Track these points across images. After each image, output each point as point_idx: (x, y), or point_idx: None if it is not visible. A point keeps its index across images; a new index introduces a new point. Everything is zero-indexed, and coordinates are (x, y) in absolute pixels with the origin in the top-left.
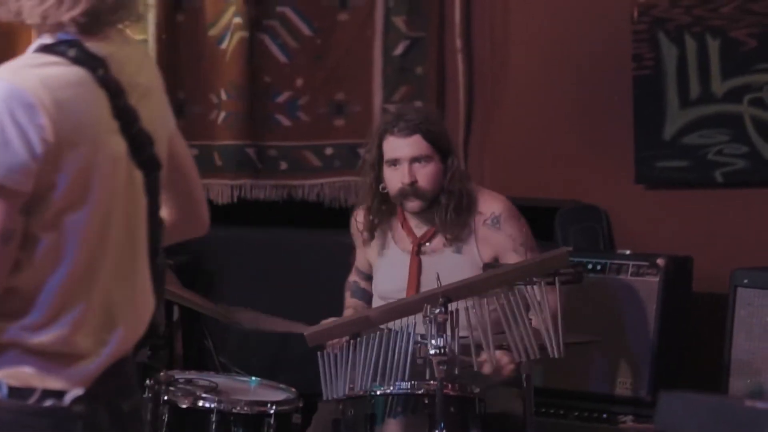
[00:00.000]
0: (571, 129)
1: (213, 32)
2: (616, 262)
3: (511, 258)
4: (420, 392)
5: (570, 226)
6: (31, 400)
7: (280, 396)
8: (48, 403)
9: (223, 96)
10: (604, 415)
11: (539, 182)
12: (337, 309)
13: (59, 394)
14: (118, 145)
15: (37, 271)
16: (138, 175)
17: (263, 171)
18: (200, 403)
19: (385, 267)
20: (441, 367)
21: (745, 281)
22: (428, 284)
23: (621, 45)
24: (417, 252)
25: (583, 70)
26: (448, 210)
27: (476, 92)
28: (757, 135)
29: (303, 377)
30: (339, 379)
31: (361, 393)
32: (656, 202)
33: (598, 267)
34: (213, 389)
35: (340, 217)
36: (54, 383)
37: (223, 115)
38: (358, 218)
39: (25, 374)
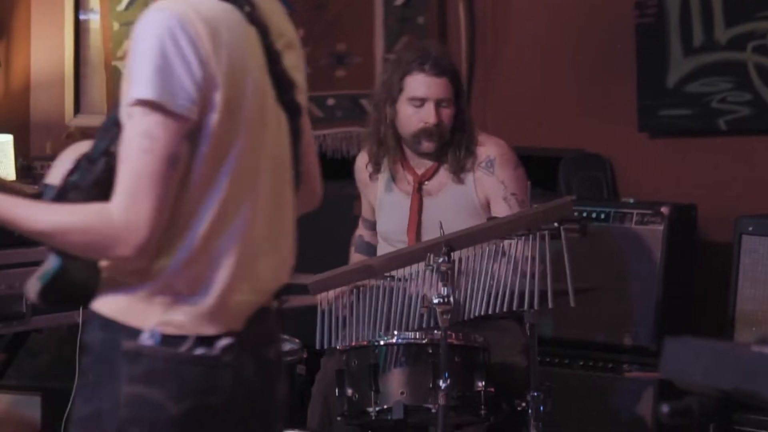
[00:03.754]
0: (574, 78)
1: None
2: (619, 210)
3: (499, 205)
4: (424, 341)
5: (573, 175)
6: (183, 348)
7: (284, 347)
8: (199, 351)
9: None
10: (609, 365)
11: (542, 132)
12: (340, 260)
13: (209, 342)
14: (265, 81)
15: (191, 203)
16: (283, 118)
17: None
18: None
19: (387, 207)
20: (445, 316)
21: (750, 229)
22: (429, 224)
23: None
24: (418, 189)
25: (586, 18)
26: (460, 148)
27: (478, 41)
28: (760, 82)
29: (307, 328)
30: (339, 328)
31: (365, 343)
32: (659, 151)
33: (602, 216)
34: None
35: (343, 168)
36: (206, 329)
37: None
38: (362, 159)
39: (177, 322)
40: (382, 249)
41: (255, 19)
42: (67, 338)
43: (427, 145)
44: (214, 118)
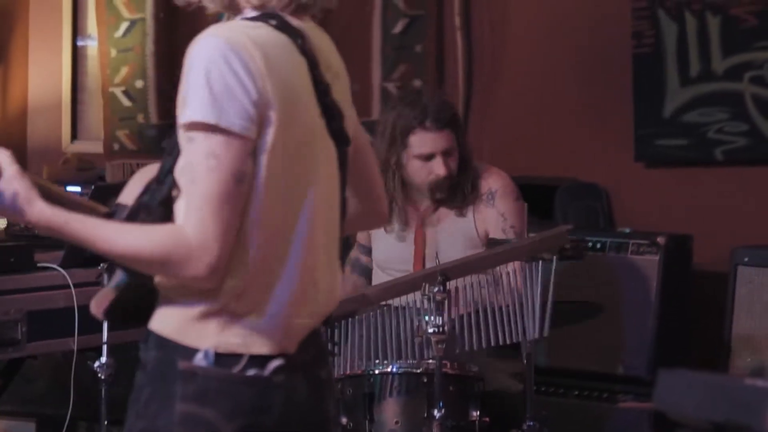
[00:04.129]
0: (571, 107)
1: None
2: (616, 240)
3: (498, 237)
4: (418, 371)
5: (569, 204)
6: (237, 369)
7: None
8: (251, 372)
9: None
10: (604, 395)
11: (539, 160)
12: None
13: (262, 363)
14: (315, 111)
15: (246, 224)
16: (331, 147)
17: None
18: None
19: (385, 238)
20: (440, 345)
21: (746, 259)
22: (428, 252)
23: (621, 22)
24: (421, 225)
25: (583, 48)
26: (465, 188)
27: (475, 70)
28: (757, 113)
29: None
30: (335, 357)
31: (359, 372)
32: (656, 180)
33: (598, 245)
34: None
35: None
36: (260, 348)
37: None
38: None
39: (233, 342)
40: (377, 276)
41: (305, 50)
42: (62, 365)
43: (440, 194)
44: (270, 138)
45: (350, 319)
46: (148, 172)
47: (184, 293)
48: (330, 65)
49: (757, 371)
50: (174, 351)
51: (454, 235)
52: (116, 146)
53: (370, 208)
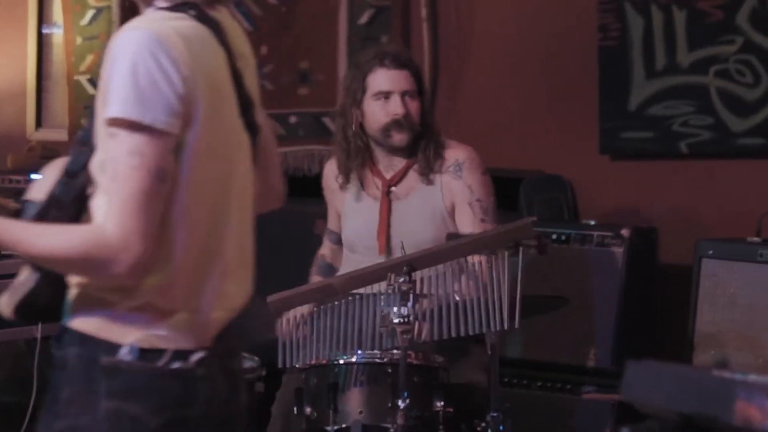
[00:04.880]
0: (537, 99)
1: None
2: (580, 232)
3: (464, 210)
4: (383, 361)
5: (534, 196)
6: (161, 362)
7: (243, 364)
8: (176, 365)
9: None
10: (568, 386)
11: (504, 152)
12: (303, 278)
13: (185, 356)
14: (234, 101)
15: (174, 218)
16: (246, 139)
17: None
18: None
19: (355, 214)
20: (405, 335)
21: (710, 252)
22: (398, 228)
23: (587, 15)
24: (387, 193)
25: (549, 41)
26: (429, 149)
27: (441, 62)
28: (722, 106)
29: (265, 346)
30: (300, 347)
31: (324, 362)
32: (621, 173)
33: (563, 237)
34: None
35: (305, 186)
36: (183, 343)
37: None
38: (331, 166)
39: (157, 337)
40: (348, 260)
41: (224, 41)
42: (25, 353)
43: (398, 138)
44: (196, 133)
45: (315, 309)
46: (57, 166)
47: (105, 290)
48: (242, 54)
49: (721, 364)
50: (96, 347)
51: (422, 212)
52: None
53: (268, 185)
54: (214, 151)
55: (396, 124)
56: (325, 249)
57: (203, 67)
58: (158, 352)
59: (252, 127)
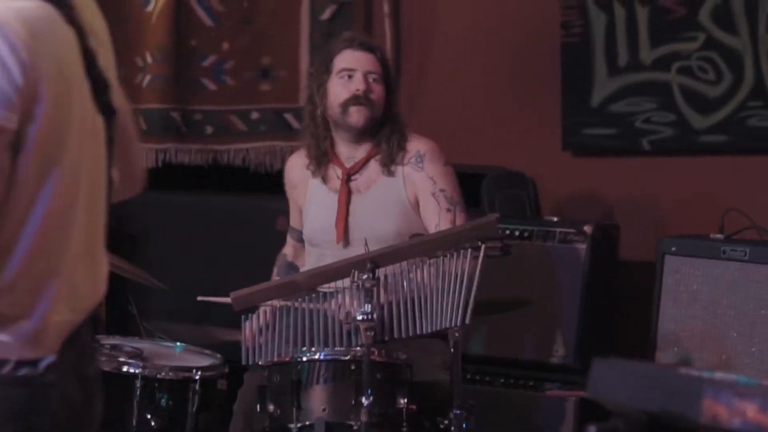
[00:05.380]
0: (499, 96)
1: None
2: (542, 229)
3: (428, 201)
4: (347, 358)
5: (496, 192)
6: (5, 370)
7: (206, 362)
8: (22, 372)
9: (149, 59)
10: (531, 383)
11: (466, 149)
12: (264, 275)
13: (33, 363)
14: (85, 85)
15: (13, 222)
16: (99, 121)
17: (188, 135)
18: (125, 369)
19: (315, 206)
20: (368, 332)
21: (673, 249)
22: (358, 222)
23: (550, 12)
24: (346, 181)
25: (512, 37)
26: (391, 139)
27: (404, 58)
28: (684, 103)
29: (228, 343)
30: (263, 344)
31: (287, 359)
32: (583, 170)
33: (525, 234)
34: (138, 355)
35: (266, 182)
36: (27, 352)
37: (148, 78)
38: (297, 158)
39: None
40: (311, 257)
41: (73, 19)
42: None
43: (356, 116)
44: (37, 128)
45: (279, 306)
46: None
47: None
48: (95, 31)
49: (683, 361)
50: None
51: (384, 204)
52: None
53: (127, 170)
54: (60, 143)
55: (355, 99)
56: (288, 248)
57: (48, 51)
58: (2, 361)
59: (107, 110)
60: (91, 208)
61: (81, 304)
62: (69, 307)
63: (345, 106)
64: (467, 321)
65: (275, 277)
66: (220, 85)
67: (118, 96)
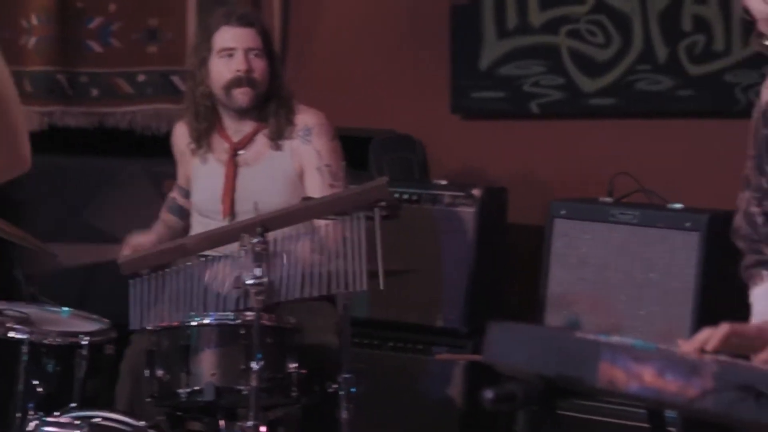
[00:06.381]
0: (387, 58)
1: None
2: (431, 192)
3: (313, 175)
4: (236, 322)
5: (384, 155)
6: None
7: (93, 327)
8: None
9: (34, 20)
10: (419, 346)
11: (354, 112)
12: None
13: None
14: None
15: None
16: None
17: (74, 98)
18: (10, 334)
19: (202, 178)
20: (258, 297)
21: (563, 212)
22: (245, 194)
23: None
24: (233, 156)
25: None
26: (279, 114)
27: (291, 20)
28: (573, 66)
29: (115, 307)
30: (151, 308)
31: (176, 323)
32: (472, 133)
33: (414, 197)
34: (24, 320)
35: (153, 145)
36: None
37: (33, 40)
38: (181, 128)
39: None
40: (197, 222)
41: None
42: None
43: (241, 97)
44: None
45: (167, 270)
46: None
47: None
48: None
49: (572, 324)
50: None
51: (271, 178)
52: None
53: (11, 155)
54: None
55: (237, 80)
56: (176, 193)
57: None
58: None
59: None
60: None
61: None
62: None
63: (228, 88)
64: (381, 286)
65: (165, 214)
66: (106, 47)
67: None
